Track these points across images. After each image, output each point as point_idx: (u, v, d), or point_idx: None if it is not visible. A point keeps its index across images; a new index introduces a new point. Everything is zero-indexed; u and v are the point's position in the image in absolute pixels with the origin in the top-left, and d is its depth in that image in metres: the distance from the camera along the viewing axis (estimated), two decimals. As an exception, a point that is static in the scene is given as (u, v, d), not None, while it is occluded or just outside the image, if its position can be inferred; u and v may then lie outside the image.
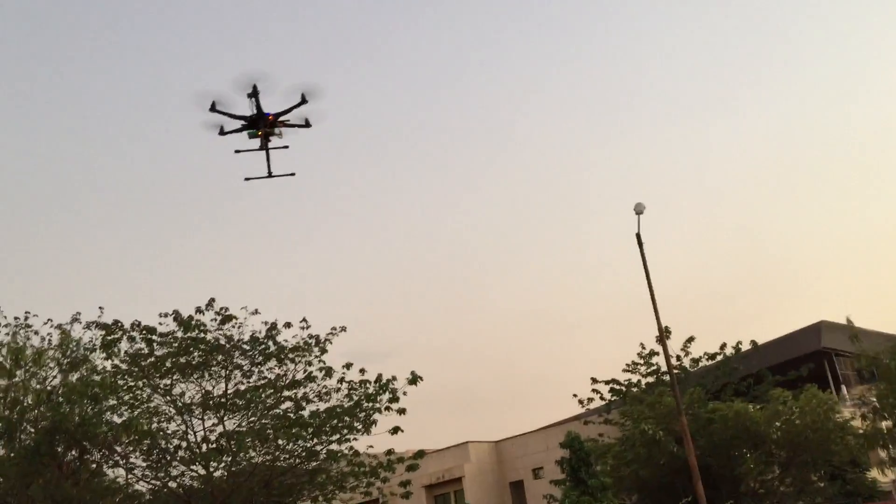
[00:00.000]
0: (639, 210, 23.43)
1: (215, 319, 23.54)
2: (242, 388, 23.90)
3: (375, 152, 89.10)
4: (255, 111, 22.05)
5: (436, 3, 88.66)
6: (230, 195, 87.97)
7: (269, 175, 23.09)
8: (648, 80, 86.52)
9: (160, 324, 23.25)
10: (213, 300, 23.57)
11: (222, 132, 22.65)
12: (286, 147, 22.48)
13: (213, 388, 23.78)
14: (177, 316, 23.12)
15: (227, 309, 23.54)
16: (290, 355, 24.15)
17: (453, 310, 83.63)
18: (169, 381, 23.62)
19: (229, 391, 23.82)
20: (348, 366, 24.36)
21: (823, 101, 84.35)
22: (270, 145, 22.58)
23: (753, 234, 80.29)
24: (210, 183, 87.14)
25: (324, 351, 24.51)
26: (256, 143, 23.05)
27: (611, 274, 79.94)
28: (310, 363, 24.37)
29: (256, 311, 23.76)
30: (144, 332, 23.23)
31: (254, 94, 21.54)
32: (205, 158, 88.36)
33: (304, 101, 21.97)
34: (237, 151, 22.55)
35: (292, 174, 23.42)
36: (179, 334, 23.24)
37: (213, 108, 21.66)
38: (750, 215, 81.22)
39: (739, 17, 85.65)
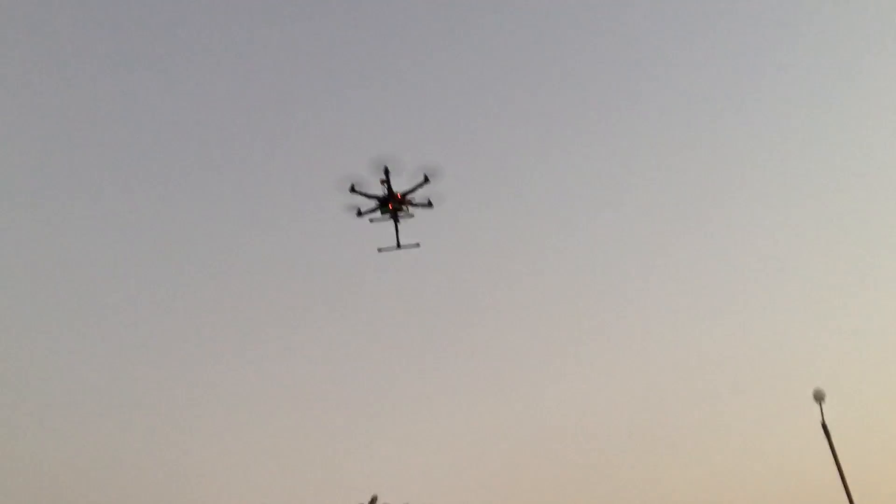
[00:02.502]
0: (819, 396, 22.12)
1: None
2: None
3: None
4: (386, 192, 25.49)
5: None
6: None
7: (398, 246, 26.26)
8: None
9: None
10: (375, 498, 26.30)
11: (360, 213, 25.98)
12: (412, 216, 25.89)
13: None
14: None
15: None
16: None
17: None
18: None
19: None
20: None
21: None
22: (399, 219, 25.99)
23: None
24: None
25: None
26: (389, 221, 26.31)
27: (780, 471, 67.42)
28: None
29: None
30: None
31: (386, 175, 24.98)
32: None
33: (426, 180, 25.26)
34: (371, 221, 26.08)
35: (417, 245, 26.41)
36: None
37: (352, 190, 25.41)
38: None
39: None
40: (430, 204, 25.87)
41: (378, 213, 25.85)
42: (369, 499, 26.81)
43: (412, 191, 25.49)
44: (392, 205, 25.34)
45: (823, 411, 21.60)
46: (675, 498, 74.54)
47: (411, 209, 25.58)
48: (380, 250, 26.48)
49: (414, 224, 26.00)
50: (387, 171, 25.07)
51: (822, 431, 21.54)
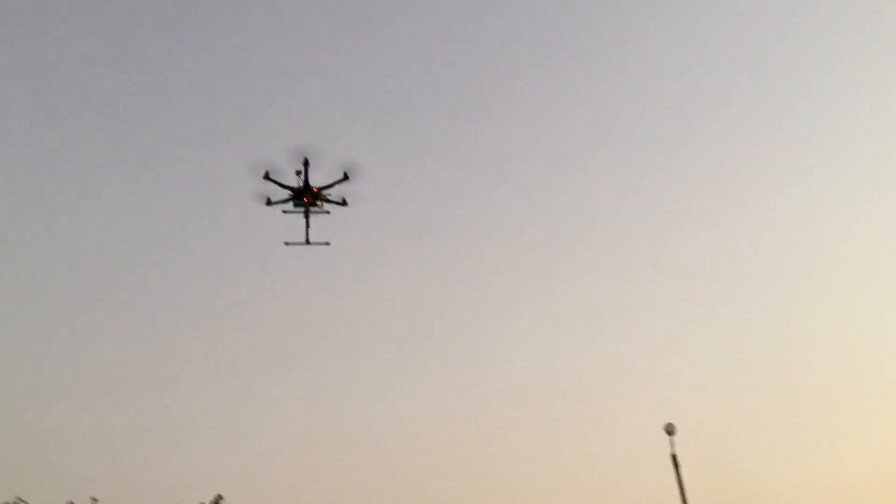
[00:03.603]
0: (670, 430, 22.78)
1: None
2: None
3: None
4: (302, 184, 24.08)
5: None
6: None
7: (307, 242, 24.86)
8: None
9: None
10: (220, 497, 25.70)
11: (269, 203, 24.67)
12: (328, 213, 24.81)
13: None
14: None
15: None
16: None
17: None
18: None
19: None
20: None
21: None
22: (311, 214, 25.18)
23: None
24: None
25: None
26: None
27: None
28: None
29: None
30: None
31: (304, 167, 23.71)
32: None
33: (345, 177, 24.11)
34: (284, 212, 24.70)
35: (327, 243, 24.96)
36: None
37: (266, 177, 23.94)
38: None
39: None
40: (344, 202, 24.73)
41: (290, 205, 24.64)
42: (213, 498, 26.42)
43: (329, 186, 24.42)
44: (307, 198, 24.11)
45: (674, 444, 22.73)
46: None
47: (326, 206, 25.01)
48: (287, 244, 25.11)
49: (328, 221, 25.84)
50: (306, 163, 23.86)
51: (671, 463, 22.79)
